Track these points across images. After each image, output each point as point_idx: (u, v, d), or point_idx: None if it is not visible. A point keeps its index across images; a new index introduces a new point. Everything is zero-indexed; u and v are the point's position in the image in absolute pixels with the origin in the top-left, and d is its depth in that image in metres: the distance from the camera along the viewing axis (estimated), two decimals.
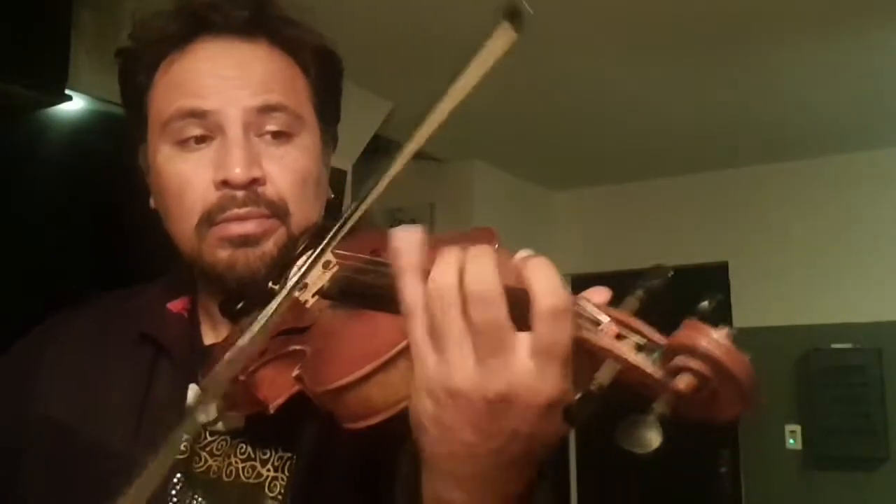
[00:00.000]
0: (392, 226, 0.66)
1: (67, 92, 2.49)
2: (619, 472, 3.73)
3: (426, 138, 0.58)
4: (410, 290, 0.55)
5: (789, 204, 4.63)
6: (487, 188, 4.71)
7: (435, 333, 0.54)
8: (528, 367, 0.52)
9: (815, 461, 4.40)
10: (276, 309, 0.57)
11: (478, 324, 0.52)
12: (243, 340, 0.57)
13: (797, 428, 4.47)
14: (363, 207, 0.60)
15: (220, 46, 0.81)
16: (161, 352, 0.83)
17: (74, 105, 2.61)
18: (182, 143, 0.79)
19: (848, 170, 4.50)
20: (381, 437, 0.61)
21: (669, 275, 0.54)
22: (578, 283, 0.57)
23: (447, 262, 0.54)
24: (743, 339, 0.48)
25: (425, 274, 0.55)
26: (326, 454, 0.74)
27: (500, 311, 0.52)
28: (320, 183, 0.84)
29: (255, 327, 0.57)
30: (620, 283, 0.55)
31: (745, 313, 4.31)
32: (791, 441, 4.49)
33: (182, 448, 0.78)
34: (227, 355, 0.58)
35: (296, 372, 0.66)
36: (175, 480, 0.77)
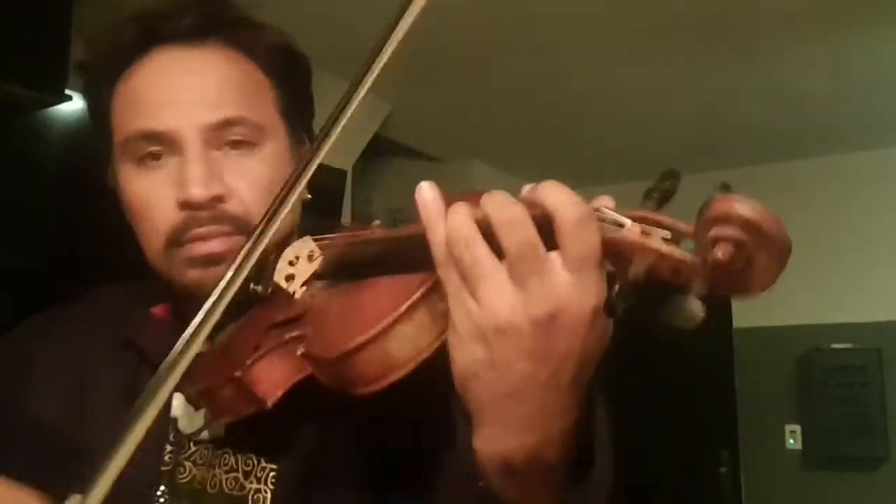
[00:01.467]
0: (393, 226, 0.67)
1: (67, 92, 2.48)
2: (618, 472, 3.71)
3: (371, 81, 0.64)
4: (439, 240, 0.55)
5: (789, 204, 4.62)
6: (487, 188, 4.68)
7: (466, 275, 0.54)
8: (567, 280, 0.52)
9: (815, 461, 4.40)
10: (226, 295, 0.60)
11: (513, 249, 0.52)
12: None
13: (797, 428, 4.47)
14: (318, 156, 0.63)
15: (174, 57, 0.79)
16: (145, 358, 0.82)
17: (74, 105, 2.61)
18: (140, 161, 0.78)
19: (848, 170, 4.50)
20: (389, 428, 0.60)
21: (680, 177, 0.55)
22: None
23: (456, 206, 0.55)
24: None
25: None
26: (315, 464, 0.73)
27: (531, 229, 0.52)
28: None
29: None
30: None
31: (745, 313, 4.30)
32: (791, 441, 4.48)
33: (166, 459, 0.78)
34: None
35: (300, 351, 0.65)
36: (160, 493, 0.77)
